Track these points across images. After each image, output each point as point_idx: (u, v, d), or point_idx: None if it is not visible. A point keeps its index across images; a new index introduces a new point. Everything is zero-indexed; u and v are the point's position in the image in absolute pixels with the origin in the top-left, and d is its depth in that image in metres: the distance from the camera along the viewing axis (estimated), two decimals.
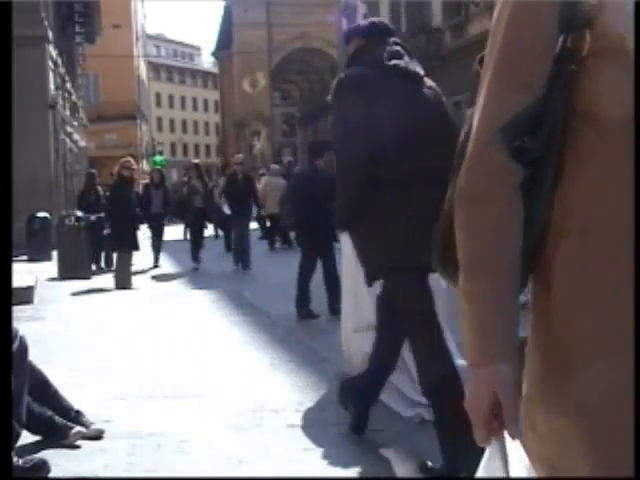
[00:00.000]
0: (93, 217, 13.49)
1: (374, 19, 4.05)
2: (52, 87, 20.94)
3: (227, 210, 13.92)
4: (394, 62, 3.55)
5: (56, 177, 20.99)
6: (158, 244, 15.01)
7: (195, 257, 13.95)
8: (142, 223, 14.90)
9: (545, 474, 1.22)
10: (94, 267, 13.89)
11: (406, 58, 3.62)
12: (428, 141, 3.43)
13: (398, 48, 3.65)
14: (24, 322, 7.11)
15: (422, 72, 3.65)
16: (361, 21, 4.14)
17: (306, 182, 8.59)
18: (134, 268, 13.48)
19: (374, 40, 3.66)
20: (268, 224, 17.99)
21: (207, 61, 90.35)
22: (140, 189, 15.84)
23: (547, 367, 1.20)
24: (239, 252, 13.50)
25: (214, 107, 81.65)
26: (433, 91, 3.67)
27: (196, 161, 16.65)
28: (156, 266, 14.68)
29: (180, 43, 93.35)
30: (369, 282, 3.63)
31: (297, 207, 8.70)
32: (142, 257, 14.62)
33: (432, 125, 3.50)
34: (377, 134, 3.39)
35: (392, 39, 3.69)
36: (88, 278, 12.36)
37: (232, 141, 59.61)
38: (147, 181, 16.06)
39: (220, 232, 19.06)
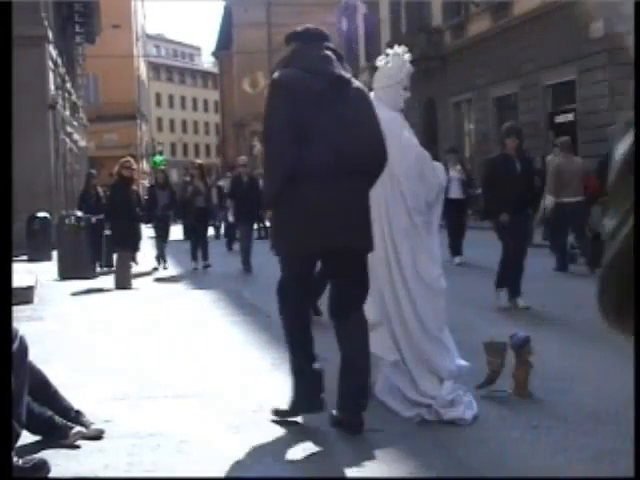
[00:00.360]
0: (94, 218, 13.46)
1: (309, 26, 4.43)
2: (52, 87, 20.94)
3: (231, 217, 13.92)
4: (320, 66, 4.00)
5: (56, 177, 21.00)
6: (162, 245, 14.89)
7: (194, 257, 13.91)
8: (147, 223, 14.84)
9: None
10: (98, 268, 13.86)
11: (335, 63, 4.06)
12: (346, 137, 3.91)
13: (329, 53, 4.09)
14: (24, 322, 7.11)
15: (348, 75, 4.11)
16: (299, 27, 4.47)
17: None
18: (138, 269, 13.49)
19: (308, 45, 4.13)
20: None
21: (207, 61, 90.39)
22: (140, 189, 15.85)
23: None
24: (247, 254, 13.31)
25: (214, 107, 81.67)
26: (360, 92, 4.14)
27: (199, 161, 16.59)
28: (164, 268, 14.53)
29: (180, 43, 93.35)
30: (276, 253, 4.25)
31: None
32: (144, 258, 14.64)
33: (351, 123, 3.96)
34: (300, 130, 3.83)
35: (325, 44, 4.14)
36: (88, 278, 12.36)
37: (232, 141, 59.64)
38: (152, 182, 16.21)
39: (221, 232, 19.14)
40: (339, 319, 4.17)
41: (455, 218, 12.94)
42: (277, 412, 4.32)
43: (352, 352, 4.10)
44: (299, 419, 4.31)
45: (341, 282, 4.18)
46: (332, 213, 3.91)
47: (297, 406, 4.21)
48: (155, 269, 14.45)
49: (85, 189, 15.57)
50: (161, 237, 14.86)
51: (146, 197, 15.63)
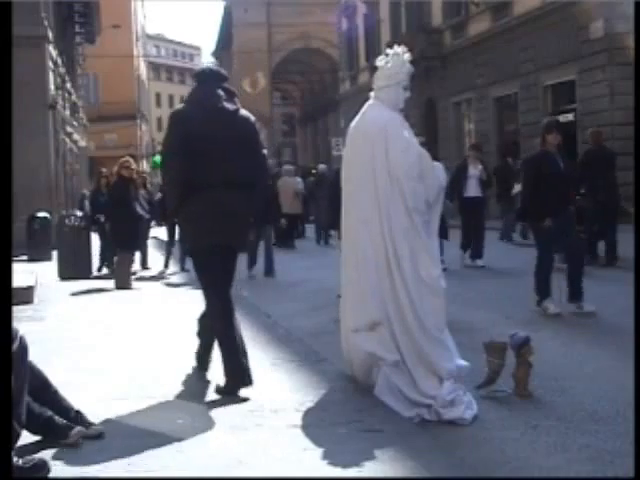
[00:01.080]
0: (103, 218, 13.13)
1: (207, 67, 5.57)
2: (52, 87, 20.94)
3: None
4: (209, 102, 5.00)
5: (56, 177, 21.00)
6: (183, 247, 14.28)
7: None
8: (160, 225, 14.40)
9: None
10: (105, 269, 13.69)
11: (222, 99, 5.03)
12: (228, 158, 4.93)
13: (219, 91, 5.05)
14: (24, 322, 7.12)
15: (233, 108, 5.06)
16: (202, 65, 5.66)
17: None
18: (148, 273, 13.40)
19: (202, 84, 5.13)
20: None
21: (207, 61, 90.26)
22: (145, 188, 15.66)
23: None
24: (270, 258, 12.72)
25: None
26: (245, 120, 5.14)
27: None
28: (183, 269, 13.45)
29: (180, 43, 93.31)
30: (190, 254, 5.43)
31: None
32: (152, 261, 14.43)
33: (235, 146, 4.96)
34: (191, 153, 4.87)
35: (219, 83, 5.10)
36: (88, 278, 12.36)
37: None
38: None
39: None
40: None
41: (471, 217, 12.75)
42: (218, 389, 4.95)
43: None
44: (299, 419, 4.31)
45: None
46: (220, 216, 4.94)
47: (234, 383, 4.89)
48: (162, 273, 13.73)
49: (96, 188, 15.12)
50: (179, 240, 14.29)
51: (159, 196, 14.78)
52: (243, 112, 5.18)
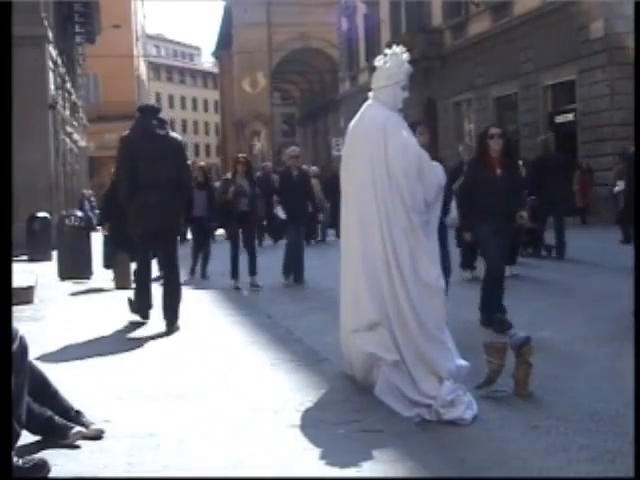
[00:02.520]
0: None
1: (145, 105, 8.41)
2: (52, 87, 20.94)
3: (282, 214, 11.41)
4: (145, 129, 7.37)
5: (56, 177, 21.00)
6: (205, 253, 12.74)
7: (235, 273, 11.23)
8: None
9: None
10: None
11: (155, 126, 7.38)
12: (159, 166, 7.20)
13: (153, 121, 7.42)
14: (24, 322, 7.12)
15: (163, 132, 7.41)
16: (141, 104, 8.53)
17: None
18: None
19: (142, 115, 7.55)
20: None
21: (207, 61, 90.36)
22: None
23: None
24: (291, 263, 11.48)
25: (214, 107, 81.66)
26: (172, 140, 7.49)
27: (243, 155, 12.73)
28: (203, 276, 12.50)
29: (180, 43, 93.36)
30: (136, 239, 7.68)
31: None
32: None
33: (163, 159, 7.24)
34: (133, 163, 7.26)
35: (155, 115, 7.51)
36: (88, 278, 12.35)
37: (232, 141, 59.61)
38: None
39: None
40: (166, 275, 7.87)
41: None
42: (130, 301, 7.88)
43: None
44: (299, 419, 4.31)
45: (162, 252, 8.05)
46: (154, 209, 7.21)
47: (140, 309, 7.68)
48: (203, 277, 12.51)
49: (112, 187, 13.56)
50: (200, 244, 12.78)
51: None
52: (172, 134, 7.58)
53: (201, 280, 12.21)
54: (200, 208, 11.83)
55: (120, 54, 45.11)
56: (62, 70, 24.85)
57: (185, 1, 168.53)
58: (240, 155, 12.29)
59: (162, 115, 7.65)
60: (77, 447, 3.87)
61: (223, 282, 11.41)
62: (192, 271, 12.51)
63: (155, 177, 7.15)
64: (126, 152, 7.34)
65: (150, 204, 7.16)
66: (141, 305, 7.64)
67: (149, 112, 7.55)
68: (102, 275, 12.04)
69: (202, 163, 15.04)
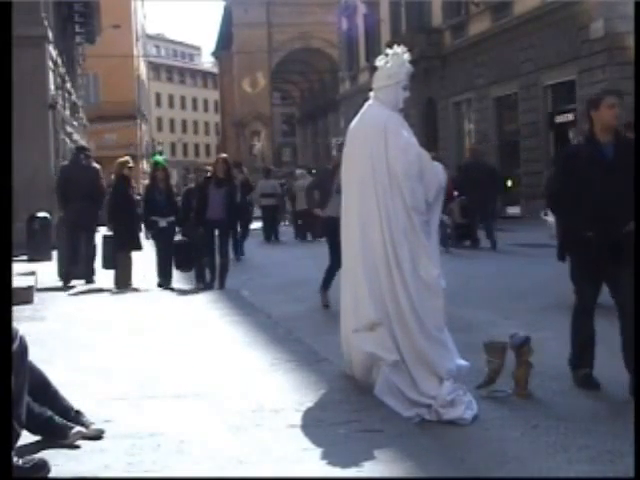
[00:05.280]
0: (164, 222, 11.13)
1: (75, 145, 16.19)
2: (52, 87, 20.93)
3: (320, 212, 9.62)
4: (74, 162, 12.14)
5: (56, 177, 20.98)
6: (223, 263, 10.92)
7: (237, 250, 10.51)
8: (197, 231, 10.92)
9: None
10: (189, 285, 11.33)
11: (82, 159, 11.77)
12: (80, 187, 11.30)
13: (81, 156, 11.88)
14: (24, 322, 7.11)
15: (87, 163, 11.78)
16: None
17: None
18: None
19: (75, 152, 12.69)
20: (299, 222, 21.50)
21: (207, 61, 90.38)
22: (140, 189, 15.47)
23: None
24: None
25: (214, 107, 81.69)
26: (91, 169, 11.71)
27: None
28: (222, 286, 10.87)
29: (180, 43, 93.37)
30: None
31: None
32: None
33: (84, 182, 11.31)
34: (67, 188, 11.58)
35: (83, 152, 12.18)
36: (92, 281, 12.32)
37: (232, 141, 59.63)
38: (193, 181, 12.54)
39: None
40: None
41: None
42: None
43: None
44: (299, 419, 4.31)
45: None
46: (78, 215, 11.26)
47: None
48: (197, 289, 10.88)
49: (151, 185, 11.72)
50: (218, 251, 10.82)
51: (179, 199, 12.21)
52: (92, 165, 11.78)
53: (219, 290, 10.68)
54: (217, 209, 10.49)
55: (120, 54, 45.14)
56: (62, 70, 24.85)
57: (185, 1, 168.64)
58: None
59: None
60: (77, 447, 3.87)
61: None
62: (200, 278, 11.20)
63: (79, 193, 11.28)
64: (63, 178, 11.88)
65: (74, 209, 11.46)
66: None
67: (79, 150, 12.57)
68: (102, 275, 12.03)
69: (224, 155, 12.05)
